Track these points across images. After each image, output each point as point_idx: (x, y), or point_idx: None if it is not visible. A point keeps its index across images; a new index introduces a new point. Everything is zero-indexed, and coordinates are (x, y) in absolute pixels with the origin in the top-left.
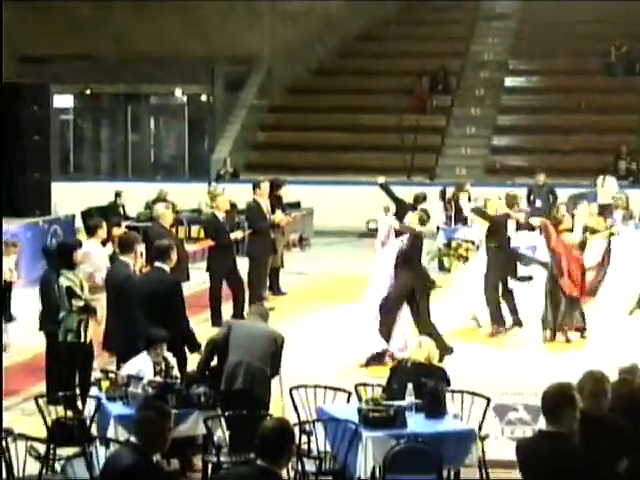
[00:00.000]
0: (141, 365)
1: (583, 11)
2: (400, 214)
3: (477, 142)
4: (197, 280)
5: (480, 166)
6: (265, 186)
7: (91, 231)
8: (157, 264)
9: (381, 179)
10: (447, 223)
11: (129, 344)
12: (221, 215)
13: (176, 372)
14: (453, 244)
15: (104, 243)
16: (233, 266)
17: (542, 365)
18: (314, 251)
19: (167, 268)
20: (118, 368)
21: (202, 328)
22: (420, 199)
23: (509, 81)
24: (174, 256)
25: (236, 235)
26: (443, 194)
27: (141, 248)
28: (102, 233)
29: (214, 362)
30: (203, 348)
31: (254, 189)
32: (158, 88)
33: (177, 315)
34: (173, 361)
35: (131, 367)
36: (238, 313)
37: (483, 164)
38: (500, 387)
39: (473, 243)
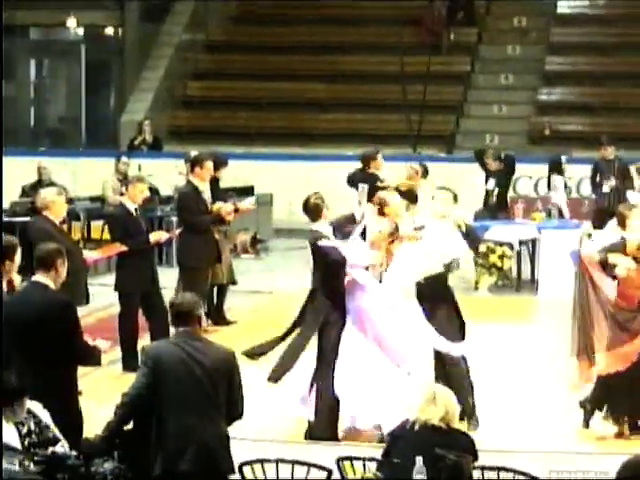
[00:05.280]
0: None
1: None
2: None
3: (517, 96)
4: (101, 302)
5: (521, 132)
6: (209, 165)
7: None
8: (37, 278)
9: None
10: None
11: None
12: (135, 206)
13: (56, 434)
14: (482, 248)
15: None
16: (153, 283)
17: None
18: (274, 259)
19: (51, 284)
20: None
21: (107, 373)
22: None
23: (564, 5)
24: (63, 267)
25: (159, 236)
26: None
27: (17, 255)
28: None
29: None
30: (118, 404)
31: (192, 167)
32: (42, 16)
33: (67, 355)
34: (44, 416)
35: None
36: None
37: (526, 128)
38: (554, 461)
39: (512, 248)
